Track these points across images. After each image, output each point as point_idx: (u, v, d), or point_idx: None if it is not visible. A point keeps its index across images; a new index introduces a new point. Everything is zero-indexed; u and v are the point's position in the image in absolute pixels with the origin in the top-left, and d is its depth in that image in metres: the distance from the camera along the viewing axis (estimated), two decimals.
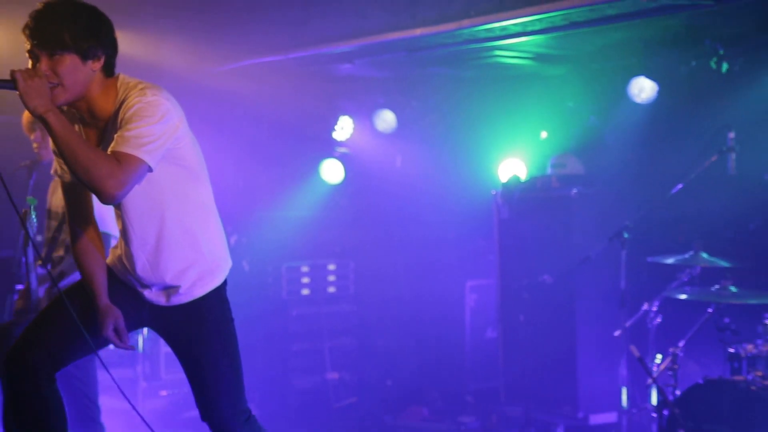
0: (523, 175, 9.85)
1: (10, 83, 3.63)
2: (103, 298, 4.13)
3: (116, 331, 4.08)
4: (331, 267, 10.34)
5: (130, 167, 3.69)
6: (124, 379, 8.74)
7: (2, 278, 6.03)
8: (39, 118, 3.68)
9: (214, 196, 4.31)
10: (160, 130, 3.79)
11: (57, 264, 5.50)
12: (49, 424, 4.13)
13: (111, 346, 4.32)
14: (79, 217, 4.25)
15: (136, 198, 3.96)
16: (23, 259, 5.78)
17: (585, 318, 8.59)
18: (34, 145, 5.56)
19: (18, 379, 4.06)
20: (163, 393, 9.28)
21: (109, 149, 3.75)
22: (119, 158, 3.68)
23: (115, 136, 3.78)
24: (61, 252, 5.52)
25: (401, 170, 10.80)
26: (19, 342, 4.14)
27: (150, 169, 3.79)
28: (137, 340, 9.04)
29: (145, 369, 9.28)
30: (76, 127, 3.95)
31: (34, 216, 5.68)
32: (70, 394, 5.31)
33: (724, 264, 6.97)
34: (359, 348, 10.38)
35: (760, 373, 6.60)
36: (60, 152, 3.75)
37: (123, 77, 4.01)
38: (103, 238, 5.00)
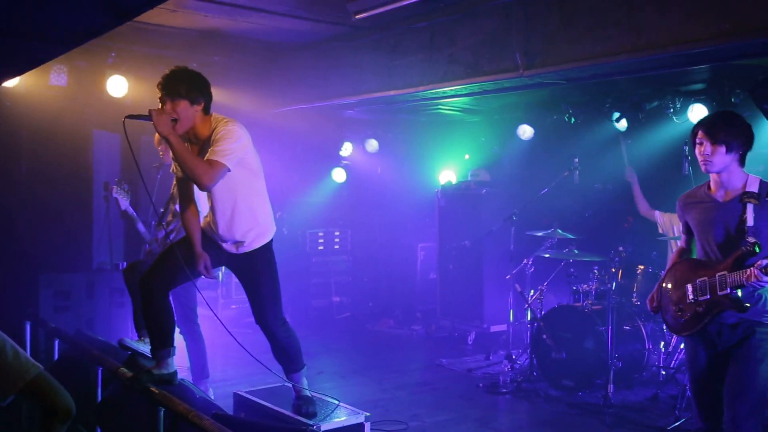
0: (454, 180, 9.89)
1: (148, 117, 3.71)
2: (198, 246, 4.11)
3: (205, 267, 4.08)
4: (337, 233, 10.21)
5: (217, 169, 3.77)
6: (209, 298, 8.80)
7: (138, 233, 6.04)
8: (164, 138, 3.75)
9: (267, 188, 4.23)
10: (236, 147, 3.84)
11: (168, 225, 5.40)
12: (163, 321, 4.10)
13: (202, 276, 4.24)
14: (186, 198, 4.20)
15: (220, 188, 3.96)
16: (152, 222, 5.80)
17: (489, 267, 8.56)
18: (161, 153, 5.48)
19: (146, 293, 4.05)
20: (233, 306, 9.29)
21: (205, 158, 3.81)
22: (211, 163, 3.76)
23: (209, 150, 3.83)
24: (170, 218, 5.42)
25: (381, 175, 10.69)
26: (147, 272, 4.11)
27: (229, 170, 3.82)
28: (219, 274, 9.11)
29: (223, 291, 9.32)
30: (187, 144, 3.96)
31: (122, 190, 5.70)
32: (179, 305, 5.31)
33: (571, 236, 6.98)
34: (352, 282, 10.24)
35: (590, 302, 6.70)
36: (176, 159, 3.83)
37: (215, 115, 4.02)
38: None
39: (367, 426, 4.23)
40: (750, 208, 3.52)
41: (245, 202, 4.09)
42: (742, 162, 3.65)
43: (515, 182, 8.99)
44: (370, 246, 10.62)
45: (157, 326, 4.12)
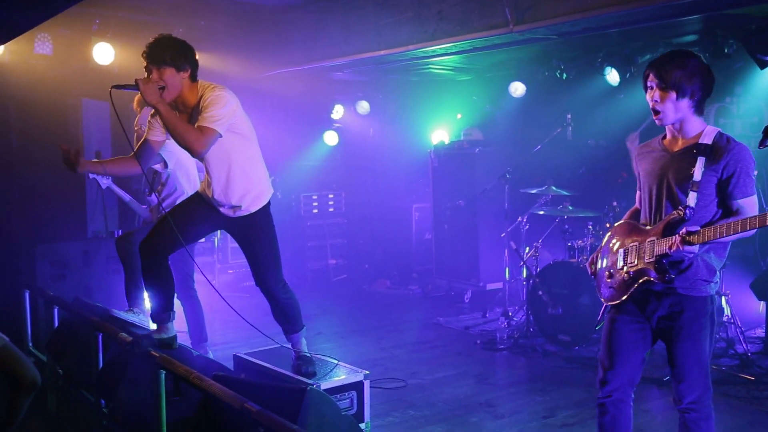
0: (446, 140, 9.88)
1: (135, 87, 3.70)
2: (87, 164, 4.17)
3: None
4: (331, 195, 10.26)
5: (208, 135, 3.77)
6: (206, 263, 8.83)
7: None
8: (153, 107, 3.75)
9: (262, 152, 4.21)
10: (224, 113, 3.82)
11: (161, 193, 5.33)
12: (163, 286, 4.15)
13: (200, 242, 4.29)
14: (141, 155, 4.20)
15: (213, 154, 3.95)
16: (145, 190, 5.76)
17: (484, 226, 8.60)
18: (137, 110, 5.32)
19: (145, 259, 4.10)
20: (230, 271, 9.35)
21: (195, 125, 3.80)
22: (201, 130, 3.76)
23: (199, 117, 3.82)
24: (160, 187, 5.34)
25: (373, 137, 10.70)
26: (146, 238, 4.12)
27: (220, 136, 3.82)
28: (215, 240, 9.14)
29: (219, 256, 9.35)
30: (176, 113, 3.92)
31: None
32: (176, 272, 5.29)
33: (565, 193, 7.01)
34: (348, 244, 10.32)
35: (585, 257, 6.66)
36: (166, 127, 3.82)
37: (201, 81, 4.01)
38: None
39: (367, 384, 4.28)
40: (700, 161, 3.10)
41: (239, 166, 4.08)
42: (699, 110, 3.19)
43: (508, 140, 9.01)
44: (364, 208, 10.68)
45: (157, 291, 4.15)
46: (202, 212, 4.22)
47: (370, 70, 8.75)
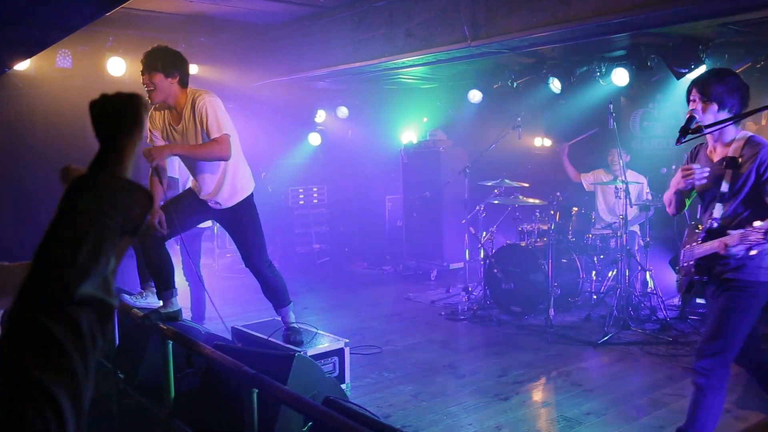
0: (415, 140, 9.84)
1: (147, 158, 3.67)
2: (156, 204, 3.89)
3: (159, 222, 3.89)
4: (315, 189, 10.18)
5: (223, 142, 3.76)
6: (208, 248, 8.70)
7: None
8: (172, 155, 3.77)
9: (252, 151, 4.05)
10: (222, 115, 3.79)
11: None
12: (163, 267, 4.05)
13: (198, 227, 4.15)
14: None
15: None
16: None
17: (447, 213, 8.61)
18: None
19: (145, 245, 4.03)
20: (228, 255, 9.26)
21: (209, 137, 3.75)
22: (216, 141, 3.75)
23: (204, 128, 3.77)
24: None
25: (351, 138, 10.63)
26: (146, 228, 3.87)
27: (229, 136, 3.76)
28: (213, 228, 9.08)
29: (218, 242, 9.25)
30: (167, 113, 3.88)
31: None
32: (186, 256, 5.22)
33: (516, 185, 7.00)
34: (330, 231, 10.26)
35: (533, 240, 6.73)
36: (194, 156, 3.78)
37: (191, 88, 3.91)
38: (171, 182, 5.04)
39: (347, 350, 4.31)
40: (728, 173, 3.04)
41: (223, 164, 4.01)
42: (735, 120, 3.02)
43: (468, 140, 9.02)
44: (344, 199, 10.64)
45: (159, 272, 4.11)
46: (194, 205, 4.15)
47: (348, 79, 8.69)
